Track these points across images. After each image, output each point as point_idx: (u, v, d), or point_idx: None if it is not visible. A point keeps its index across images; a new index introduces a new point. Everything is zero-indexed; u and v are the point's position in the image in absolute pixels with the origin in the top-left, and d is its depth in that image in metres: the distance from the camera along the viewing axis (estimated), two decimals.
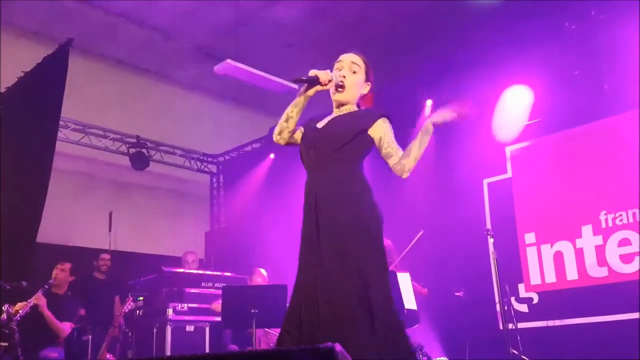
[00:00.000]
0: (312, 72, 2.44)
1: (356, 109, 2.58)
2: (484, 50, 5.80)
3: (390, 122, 2.49)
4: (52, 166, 5.31)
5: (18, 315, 4.38)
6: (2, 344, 4.36)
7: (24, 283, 4.76)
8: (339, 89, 2.50)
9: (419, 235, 4.72)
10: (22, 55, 6.12)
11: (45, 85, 5.60)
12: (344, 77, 2.51)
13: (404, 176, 2.40)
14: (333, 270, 2.25)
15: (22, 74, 5.78)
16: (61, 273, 5.00)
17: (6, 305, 4.38)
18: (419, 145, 2.40)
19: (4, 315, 4.29)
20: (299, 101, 2.51)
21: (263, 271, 5.67)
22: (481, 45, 5.82)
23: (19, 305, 4.51)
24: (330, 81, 2.45)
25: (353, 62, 2.54)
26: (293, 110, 2.54)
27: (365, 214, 2.35)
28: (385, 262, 2.34)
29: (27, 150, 5.56)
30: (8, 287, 4.73)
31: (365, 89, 2.59)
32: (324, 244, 2.30)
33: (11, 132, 5.74)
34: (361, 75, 2.56)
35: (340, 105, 2.56)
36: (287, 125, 2.57)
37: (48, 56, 5.64)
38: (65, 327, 4.91)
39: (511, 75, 5.73)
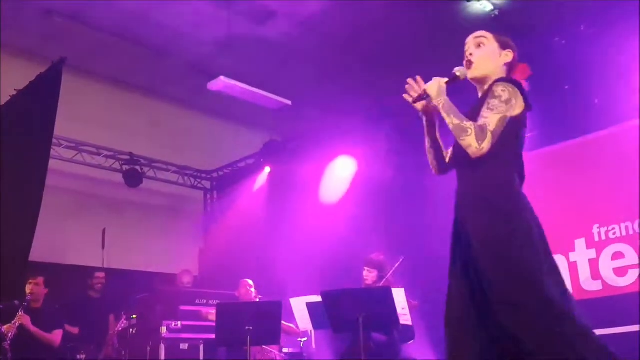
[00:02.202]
0: (422, 89, 2.25)
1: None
2: None
3: (517, 90, 2.16)
4: (45, 184, 5.29)
5: (9, 337, 4.35)
6: None
7: (17, 302, 4.73)
8: (469, 66, 2.30)
9: (398, 263, 4.73)
10: (15, 74, 6.14)
11: (38, 103, 5.61)
12: (470, 54, 2.30)
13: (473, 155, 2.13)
14: None
15: (15, 92, 5.79)
16: (36, 287, 5.02)
17: None
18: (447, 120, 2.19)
19: None
20: (426, 131, 2.34)
21: (249, 281, 5.66)
22: None
23: (6, 327, 4.49)
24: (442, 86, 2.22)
25: (476, 37, 2.34)
26: (427, 142, 2.37)
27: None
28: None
29: (20, 168, 5.54)
30: (1, 307, 4.70)
31: (506, 56, 2.32)
32: None
33: (4, 149, 5.72)
34: (491, 45, 2.32)
35: (480, 84, 2.33)
36: (430, 158, 2.44)
37: (41, 74, 5.66)
38: (55, 336, 4.91)
39: None
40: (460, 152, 2.21)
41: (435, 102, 2.22)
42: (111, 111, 7.57)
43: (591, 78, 5.30)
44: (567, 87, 5.47)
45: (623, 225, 5.08)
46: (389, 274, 4.71)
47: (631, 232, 5.01)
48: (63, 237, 6.89)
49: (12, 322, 4.57)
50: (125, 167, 7.53)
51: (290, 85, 7.12)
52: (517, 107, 2.18)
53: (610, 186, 5.20)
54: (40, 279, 5.11)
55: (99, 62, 7.25)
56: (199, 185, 8.74)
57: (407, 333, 4.45)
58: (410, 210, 6.21)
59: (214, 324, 4.74)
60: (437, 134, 2.43)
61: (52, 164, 5.91)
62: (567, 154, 5.58)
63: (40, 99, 5.57)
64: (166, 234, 7.94)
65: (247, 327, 4.55)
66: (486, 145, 2.09)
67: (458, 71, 2.30)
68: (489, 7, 6.03)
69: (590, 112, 5.31)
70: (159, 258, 7.68)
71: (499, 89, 2.15)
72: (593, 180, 5.34)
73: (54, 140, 6.21)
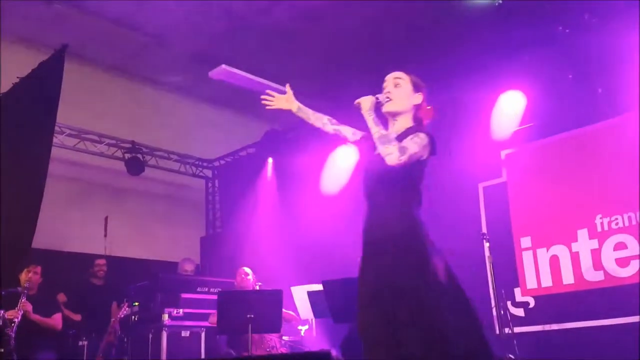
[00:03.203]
0: (356, 101, 2.65)
1: (412, 124, 2.70)
2: (478, 54, 5.82)
3: (430, 141, 2.59)
4: (47, 172, 5.30)
5: (14, 323, 4.38)
6: None
7: (19, 289, 4.76)
8: (387, 100, 2.68)
9: None
10: (17, 62, 6.11)
11: (40, 91, 5.59)
12: (389, 91, 2.70)
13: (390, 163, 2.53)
14: None
15: (17, 80, 5.77)
16: (34, 276, 5.06)
17: (1, 312, 4.38)
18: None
19: (0, 322, 4.29)
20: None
21: (246, 269, 5.66)
22: (475, 49, 5.85)
23: (10, 312, 4.52)
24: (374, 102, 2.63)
25: (395, 77, 2.73)
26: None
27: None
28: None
29: (23, 156, 5.54)
30: (3, 293, 4.73)
31: (417, 98, 2.72)
32: None
33: (6, 137, 5.72)
34: (406, 86, 2.71)
35: (392, 117, 2.72)
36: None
37: (43, 62, 5.64)
38: (56, 320, 4.94)
39: (505, 80, 5.75)
40: (374, 185, 2.63)
41: (365, 114, 2.61)
42: (113, 99, 7.55)
43: (595, 67, 5.26)
44: (570, 76, 5.43)
45: (626, 216, 5.07)
46: None
47: (634, 222, 5.00)
48: (65, 225, 6.91)
49: (16, 308, 4.60)
50: (127, 155, 7.54)
51: (292, 74, 7.08)
52: (426, 155, 2.63)
53: (613, 176, 5.19)
54: (39, 268, 5.15)
55: (100, 50, 7.22)
56: (201, 173, 8.74)
57: None
58: None
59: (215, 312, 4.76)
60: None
61: (54, 152, 5.92)
62: (569, 144, 5.56)
63: (43, 86, 5.55)
64: (168, 222, 7.96)
65: (248, 315, 4.56)
66: (404, 159, 2.49)
67: (381, 97, 2.68)
68: None
69: (593, 102, 5.28)
70: (161, 246, 7.71)
71: (422, 135, 2.59)
72: (596, 171, 5.32)
73: (56, 128, 6.20)
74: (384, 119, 2.69)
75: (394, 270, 2.44)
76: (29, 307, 4.74)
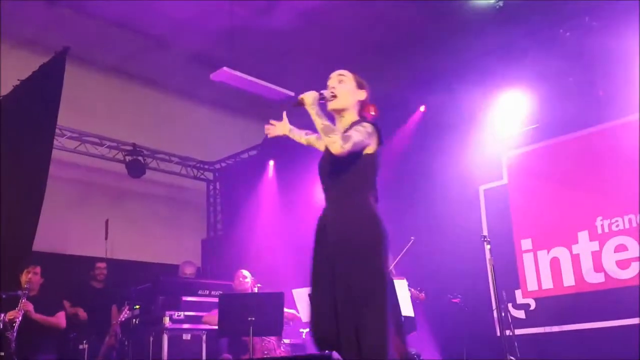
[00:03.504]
0: (299, 97, 2.67)
1: (358, 118, 2.74)
2: (479, 56, 5.83)
3: (375, 130, 2.63)
4: (48, 174, 5.30)
5: (15, 324, 4.37)
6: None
7: (20, 292, 4.75)
8: (332, 98, 2.71)
9: (410, 243, 4.73)
10: (18, 64, 6.12)
11: (41, 93, 5.59)
12: (333, 87, 2.73)
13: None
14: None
15: (18, 82, 5.78)
16: (34, 277, 5.03)
17: (2, 314, 4.37)
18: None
19: (0, 324, 4.28)
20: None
21: (244, 272, 5.66)
22: (477, 51, 5.86)
23: (10, 314, 4.50)
24: (319, 97, 2.66)
25: (339, 74, 2.77)
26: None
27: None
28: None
29: (23, 158, 5.54)
30: (4, 296, 4.72)
31: (361, 94, 2.77)
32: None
33: (7, 140, 5.72)
34: (350, 82, 2.75)
35: (338, 114, 2.75)
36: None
37: (44, 64, 5.64)
38: (60, 318, 4.92)
39: (507, 82, 5.76)
40: (327, 181, 2.66)
41: (308, 108, 2.64)
42: (114, 101, 7.56)
43: (596, 70, 5.27)
44: (571, 79, 5.44)
45: (626, 218, 5.07)
46: (392, 266, 4.71)
47: (634, 224, 5.01)
48: (66, 228, 6.90)
49: (16, 309, 4.58)
50: (128, 158, 7.54)
51: (293, 76, 7.09)
52: (374, 144, 2.64)
53: (614, 179, 5.19)
54: (38, 269, 5.13)
55: (102, 52, 7.23)
56: (202, 176, 8.74)
57: (409, 324, 4.45)
58: (415, 202, 6.20)
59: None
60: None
61: (55, 154, 5.92)
62: (570, 146, 5.56)
63: (44, 88, 5.56)
64: (169, 225, 7.95)
65: (249, 318, 4.56)
66: (348, 146, 2.49)
67: (325, 93, 2.71)
68: None
69: (595, 104, 5.28)
70: (162, 249, 7.70)
71: (366, 124, 2.63)
72: (597, 173, 5.32)
73: (57, 131, 6.20)
74: (331, 118, 2.72)
75: (347, 265, 2.46)
76: (30, 306, 4.72)
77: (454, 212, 5.85)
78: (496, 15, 5.90)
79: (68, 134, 7.02)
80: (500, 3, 5.86)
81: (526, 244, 5.61)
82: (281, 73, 6.94)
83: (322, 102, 2.67)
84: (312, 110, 2.61)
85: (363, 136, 2.56)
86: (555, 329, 5.21)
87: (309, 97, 2.64)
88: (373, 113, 2.77)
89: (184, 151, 8.25)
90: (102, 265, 6.34)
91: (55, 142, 5.97)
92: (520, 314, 5.47)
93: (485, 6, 5.95)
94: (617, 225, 5.12)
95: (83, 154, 7.30)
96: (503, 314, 4.82)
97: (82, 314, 5.85)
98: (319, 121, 2.57)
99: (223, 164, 8.64)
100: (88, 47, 6.94)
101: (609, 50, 5.08)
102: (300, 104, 2.65)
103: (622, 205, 5.10)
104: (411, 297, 4.50)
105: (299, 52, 7.13)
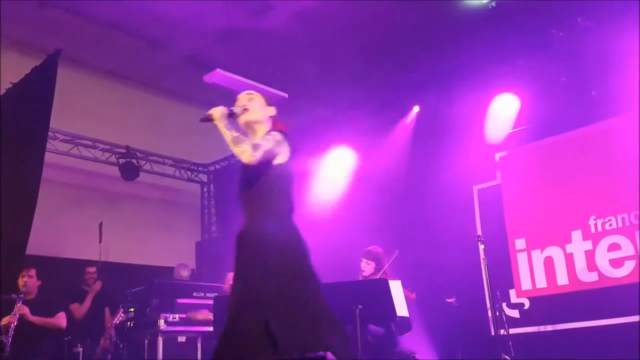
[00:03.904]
0: (207, 113, 2.74)
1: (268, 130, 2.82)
2: (472, 57, 5.85)
3: (284, 139, 2.72)
4: (41, 177, 5.27)
5: (11, 328, 4.33)
6: None
7: (14, 296, 4.72)
8: (244, 111, 2.81)
9: (393, 256, 4.74)
10: (10, 66, 6.09)
11: (33, 96, 5.57)
12: (245, 104, 2.83)
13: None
14: None
15: (10, 85, 5.75)
16: (30, 280, 4.98)
17: None
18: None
19: None
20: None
21: None
22: (469, 52, 5.88)
23: (5, 319, 4.47)
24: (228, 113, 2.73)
25: (247, 94, 2.89)
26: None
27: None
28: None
29: (16, 162, 5.52)
30: None
31: (271, 110, 2.88)
32: None
33: (0, 142, 5.69)
34: (259, 99, 2.86)
35: (250, 128, 2.82)
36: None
37: (37, 67, 5.62)
38: (60, 319, 4.89)
39: (500, 82, 5.79)
40: (242, 194, 2.76)
41: (217, 123, 2.70)
42: (107, 104, 7.52)
43: (588, 70, 5.30)
44: (563, 79, 5.47)
45: (619, 217, 5.10)
46: (386, 267, 4.72)
47: (627, 223, 5.04)
48: (59, 231, 6.86)
49: (12, 313, 4.55)
50: (121, 161, 7.51)
51: (287, 78, 7.09)
52: (284, 154, 2.73)
53: (607, 178, 5.22)
54: (33, 271, 5.09)
55: (95, 54, 7.20)
56: (196, 178, 8.72)
57: (405, 325, 4.45)
58: (409, 202, 6.21)
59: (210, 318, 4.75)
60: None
61: (48, 157, 5.89)
62: (563, 146, 5.59)
63: (36, 91, 5.53)
64: (163, 227, 7.92)
65: None
66: (258, 154, 2.59)
67: (235, 109, 2.80)
68: None
69: (587, 104, 5.31)
70: (156, 251, 7.67)
71: (275, 133, 2.74)
72: (590, 172, 5.35)
73: (50, 134, 6.18)
74: (245, 135, 2.77)
75: (262, 278, 2.54)
76: (26, 310, 4.68)
77: (447, 212, 5.86)
78: (489, 15, 5.94)
79: (61, 136, 6.99)
80: (493, 3, 5.89)
81: (520, 243, 5.63)
82: (275, 75, 6.94)
83: (234, 119, 2.73)
84: (221, 124, 2.66)
85: (272, 144, 2.64)
86: (550, 328, 5.23)
87: (217, 112, 2.69)
88: (283, 129, 2.83)
89: (177, 153, 8.23)
90: (92, 269, 6.30)
91: (48, 145, 5.94)
92: (515, 314, 5.49)
93: (478, 6, 5.98)
94: (611, 225, 5.14)
95: (76, 157, 7.26)
96: (497, 314, 4.83)
97: (83, 308, 5.83)
98: (228, 134, 2.63)
99: (217, 166, 8.62)
100: (82, 49, 6.91)
101: (601, 50, 5.12)
102: (208, 119, 2.68)
103: (615, 204, 5.12)
104: (406, 297, 4.50)
105: (294, 54, 7.13)
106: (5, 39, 6.57)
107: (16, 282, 4.96)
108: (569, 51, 5.41)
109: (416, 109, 6.41)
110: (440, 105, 6.09)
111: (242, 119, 2.79)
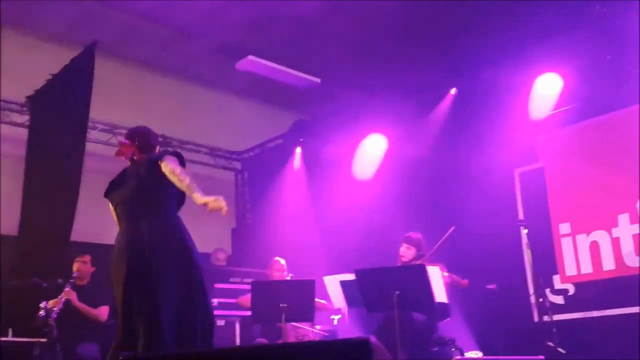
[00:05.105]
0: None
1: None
2: (513, 37, 5.67)
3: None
4: (83, 166, 5.38)
5: (54, 312, 4.44)
6: (41, 340, 4.43)
7: (60, 280, 4.83)
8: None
9: (450, 231, 4.65)
10: (47, 59, 6.20)
11: (73, 87, 5.68)
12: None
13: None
14: None
15: (50, 77, 5.86)
16: (83, 265, 5.06)
17: (44, 302, 4.46)
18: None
19: (42, 312, 4.36)
20: None
21: (281, 261, 5.67)
22: (510, 32, 5.70)
23: (52, 302, 4.58)
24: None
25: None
26: None
27: None
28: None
29: (59, 152, 5.64)
30: (45, 285, 4.81)
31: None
32: None
33: (42, 133, 5.83)
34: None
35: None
36: None
37: (75, 58, 5.72)
38: (102, 311, 4.96)
39: (542, 62, 5.60)
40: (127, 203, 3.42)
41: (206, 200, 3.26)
42: (142, 94, 7.60)
43: (633, 47, 5.07)
44: (608, 57, 5.25)
45: None
46: (440, 242, 4.62)
47: None
48: (100, 218, 6.98)
49: (59, 297, 4.66)
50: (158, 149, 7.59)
51: (319, 63, 7.03)
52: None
53: None
54: (88, 257, 5.17)
55: (128, 44, 7.27)
56: (230, 166, 8.77)
57: (443, 311, 4.40)
58: (442, 187, 6.11)
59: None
60: None
61: (88, 146, 6.00)
62: (608, 126, 5.39)
63: (76, 82, 5.64)
64: (199, 215, 7.94)
65: (281, 305, 4.58)
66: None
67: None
68: None
69: (633, 83, 5.09)
70: (193, 238, 7.75)
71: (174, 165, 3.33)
72: (636, 153, 5.15)
73: (89, 124, 6.29)
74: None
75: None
76: (73, 295, 4.76)
77: (488, 197, 5.73)
78: None
79: (100, 126, 7.11)
80: None
81: (564, 227, 5.48)
82: (308, 60, 6.89)
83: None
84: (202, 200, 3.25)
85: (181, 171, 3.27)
86: (595, 314, 5.10)
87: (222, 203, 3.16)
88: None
89: (211, 141, 8.28)
90: None
91: (87, 134, 6.05)
92: (559, 300, 5.36)
93: None
94: None
95: (115, 146, 7.33)
96: (541, 300, 4.72)
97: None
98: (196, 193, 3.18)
99: (251, 154, 8.65)
100: (116, 40, 6.99)
101: None
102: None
103: None
104: (451, 283, 4.43)
105: (325, 39, 7.05)
106: (43, 32, 6.71)
107: (60, 266, 5.09)
108: (612, 28, 5.18)
109: (453, 91, 6.27)
110: (478, 86, 5.93)
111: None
